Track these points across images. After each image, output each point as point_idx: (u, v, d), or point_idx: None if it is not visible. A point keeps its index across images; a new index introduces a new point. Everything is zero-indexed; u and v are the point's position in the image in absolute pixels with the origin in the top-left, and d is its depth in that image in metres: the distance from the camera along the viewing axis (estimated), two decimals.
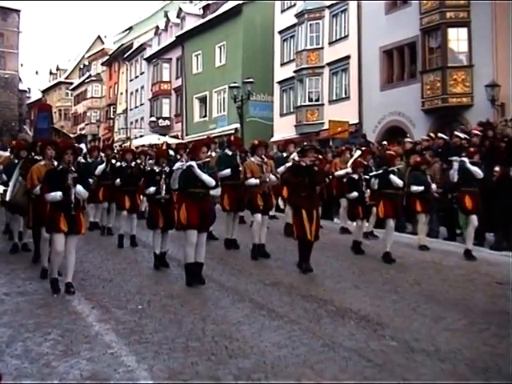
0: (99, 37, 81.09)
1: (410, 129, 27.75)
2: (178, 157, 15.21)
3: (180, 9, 52.10)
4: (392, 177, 12.28)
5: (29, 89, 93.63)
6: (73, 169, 8.88)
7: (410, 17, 27.42)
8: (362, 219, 12.97)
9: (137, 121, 58.88)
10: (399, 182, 12.33)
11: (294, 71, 35.58)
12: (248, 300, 8.57)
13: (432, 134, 20.06)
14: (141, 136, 44.50)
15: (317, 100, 34.49)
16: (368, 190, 12.63)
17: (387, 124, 29.60)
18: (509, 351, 6.51)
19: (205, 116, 46.53)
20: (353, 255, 12.33)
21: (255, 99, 38.08)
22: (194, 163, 9.51)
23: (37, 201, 10.01)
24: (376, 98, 29.99)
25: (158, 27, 55.86)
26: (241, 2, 41.26)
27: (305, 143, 14.99)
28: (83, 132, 72.03)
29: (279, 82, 38.56)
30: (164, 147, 18.27)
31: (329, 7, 33.80)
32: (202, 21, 46.92)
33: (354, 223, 13.20)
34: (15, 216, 12.65)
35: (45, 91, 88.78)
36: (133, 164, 13.93)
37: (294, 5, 36.47)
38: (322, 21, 34.24)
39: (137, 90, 59.83)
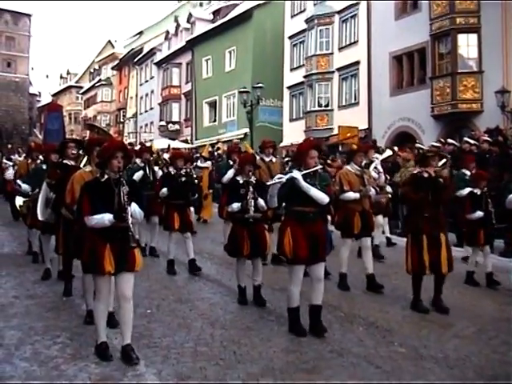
0: (109, 41, 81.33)
1: (419, 135, 27.68)
2: (231, 162, 13.40)
3: (190, 14, 52.20)
4: None
5: (39, 92, 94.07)
6: (124, 180, 6.20)
7: (420, 22, 27.37)
8: (483, 245, 10.82)
9: (146, 125, 58.99)
10: None
11: (304, 76, 35.59)
12: (257, 305, 8.57)
13: (442, 140, 20.06)
14: (150, 140, 44.55)
15: (326, 105, 34.47)
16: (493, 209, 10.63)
17: (396, 130, 29.54)
18: None
19: (214, 121, 46.58)
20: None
21: (265, 104, 38.25)
22: (298, 174, 7.18)
23: (72, 220, 7.66)
24: (385, 104, 29.95)
25: (168, 32, 56.00)
26: (251, 6, 41.31)
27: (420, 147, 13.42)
28: None
29: (289, 87, 38.59)
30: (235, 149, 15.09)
31: (338, 13, 33.79)
32: (212, 26, 46.99)
33: (470, 249, 11.19)
34: (46, 236, 10.38)
35: (55, 95, 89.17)
36: (183, 171, 11.41)
37: (304, 10, 36.53)
38: (331, 26, 34.24)
39: (147, 95, 59.99)
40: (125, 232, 6.04)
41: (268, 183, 7.59)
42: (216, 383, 5.70)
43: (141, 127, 59.98)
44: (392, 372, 6.06)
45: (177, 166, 11.40)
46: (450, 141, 19.32)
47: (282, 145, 34.93)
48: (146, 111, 60.06)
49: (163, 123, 52.20)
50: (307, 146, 7.66)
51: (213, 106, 47.02)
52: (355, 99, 32.86)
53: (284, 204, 7.60)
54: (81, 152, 9.03)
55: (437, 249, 8.53)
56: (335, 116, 33.61)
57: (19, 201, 11.36)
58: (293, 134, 35.83)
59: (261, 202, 8.67)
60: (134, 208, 6.18)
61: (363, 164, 10.27)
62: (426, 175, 8.73)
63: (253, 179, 8.87)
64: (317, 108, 34.66)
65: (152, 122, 57.33)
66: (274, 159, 12.31)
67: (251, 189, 8.72)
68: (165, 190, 11.08)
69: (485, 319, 8.21)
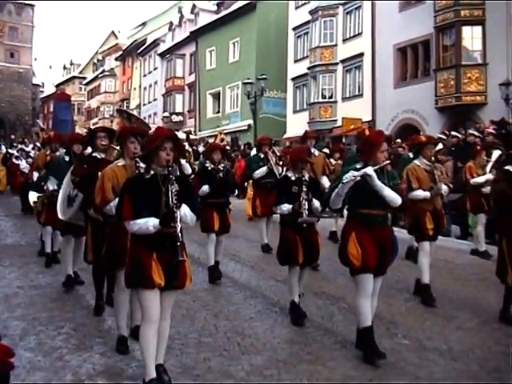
0: (113, 32, 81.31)
1: (423, 127, 27.66)
2: (262, 156, 12.40)
3: (194, 4, 52.14)
4: None
5: (42, 83, 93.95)
6: (173, 176, 5.16)
7: (425, 14, 27.33)
8: None
9: (150, 116, 58.97)
10: None
11: (308, 68, 35.58)
12: (260, 296, 8.58)
13: (446, 132, 20.01)
14: None
15: (330, 97, 34.48)
16: None
17: (400, 122, 29.55)
18: None
19: (218, 112, 46.60)
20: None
21: (268, 96, 38.25)
22: (371, 171, 6.11)
23: (105, 223, 6.61)
24: (389, 96, 29.92)
25: (171, 23, 56.04)
26: None
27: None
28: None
29: (293, 79, 38.57)
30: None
31: (343, 4, 33.79)
32: (216, 17, 46.96)
33: None
34: (66, 238, 9.14)
35: (58, 85, 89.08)
36: (221, 167, 9.85)
37: (309, 1, 36.40)
38: (335, 18, 34.21)
39: (150, 86, 60.01)
40: (174, 240, 5.04)
41: (344, 181, 6.06)
42: (220, 374, 5.71)
43: (144, 118, 59.94)
44: (396, 363, 6.07)
45: (213, 161, 9.89)
46: (453, 133, 19.27)
47: (285, 136, 34.98)
48: (149, 102, 60.17)
49: (167, 114, 52.14)
50: (379, 137, 6.41)
51: (216, 97, 47.03)
52: (359, 91, 32.85)
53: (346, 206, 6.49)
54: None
55: None
56: (339, 108, 33.61)
57: (33, 196, 10.48)
58: (296, 125, 35.76)
59: (315, 203, 7.45)
60: (185, 211, 5.18)
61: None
62: None
63: (306, 176, 7.61)
64: (320, 100, 34.67)
65: (155, 113, 57.38)
66: (316, 152, 11.62)
67: (304, 188, 7.45)
68: (206, 187, 9.65)
69: (488, 311, 8.19)
